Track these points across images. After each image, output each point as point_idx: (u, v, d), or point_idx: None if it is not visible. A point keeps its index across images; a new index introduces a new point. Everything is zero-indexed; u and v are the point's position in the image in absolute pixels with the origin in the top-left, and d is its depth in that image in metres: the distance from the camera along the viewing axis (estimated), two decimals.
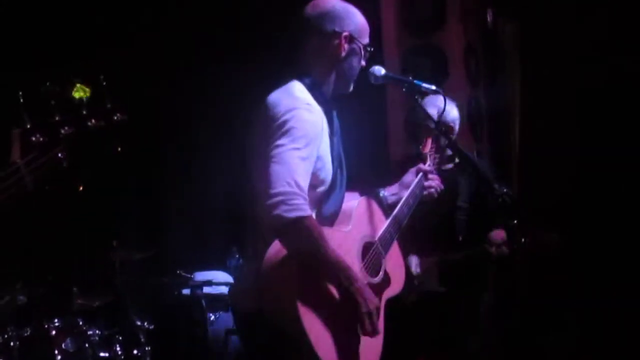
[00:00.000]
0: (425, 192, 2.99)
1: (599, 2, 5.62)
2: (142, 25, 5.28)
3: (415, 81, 2.84)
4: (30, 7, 4.85)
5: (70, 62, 4.66)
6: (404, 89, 2.87)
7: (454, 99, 3.87)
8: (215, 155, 5.51)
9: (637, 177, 5.62)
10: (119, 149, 1.77)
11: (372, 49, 2.70)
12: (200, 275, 4.78)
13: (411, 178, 3.01)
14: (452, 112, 3.85)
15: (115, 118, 1.78)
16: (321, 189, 2.55)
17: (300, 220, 2.33)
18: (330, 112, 2.62)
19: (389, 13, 5.45)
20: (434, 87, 2.85)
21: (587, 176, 5.93)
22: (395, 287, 2.75)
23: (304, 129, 2.43)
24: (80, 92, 1.70)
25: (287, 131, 2.41)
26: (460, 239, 3.91)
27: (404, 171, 3.11)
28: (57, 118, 1.70)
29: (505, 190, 3.20)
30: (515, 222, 2.92)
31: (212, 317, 4.67)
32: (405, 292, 2.88)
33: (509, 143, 6.18)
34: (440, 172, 3.13)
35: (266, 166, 2.38)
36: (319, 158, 2.50)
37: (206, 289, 4.63)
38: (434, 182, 3.01)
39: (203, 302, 4.64)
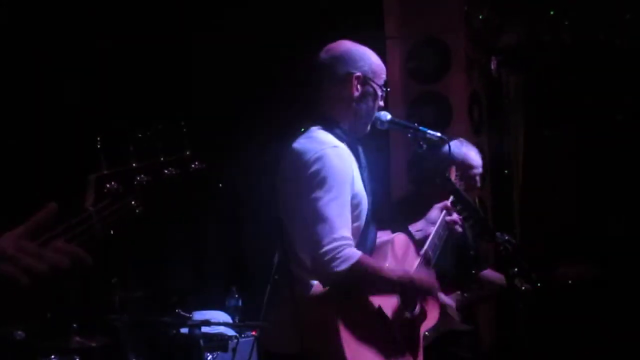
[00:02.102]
0: (450, 229, 3.00)
1: (600, 56, 5.72)
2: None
3: (420, 127, 2.87)
4: (117, 57, 4.92)
5: (151, 108, 4.66)
6: (409, 135, 2.90)
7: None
8: (217, 197, 5.51)
9: (637, 227, 5.66)
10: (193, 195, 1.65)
11: (388, 89, 2.73)
12: (199, 315, 4.75)
13: (436, 214, 3.01)
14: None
15: (193, 167, 1.66)
16: (357, 224, 2.57)
17: (352, 267, 2.40)
18: (356, 149, 2.66)
19: (394, 62, 5.50)
20: (439, 134, 2.88)
21: (586, 223, 5.96)
22: (432, 320, 2.82)
23: (336, 175, 2.46)
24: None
25: (320, 182, 2.44)
26: (474, 272, 3.93)
27: (403, 211, 3.11)
28: (133, 165, 1.58)
29: (506, 237, 3.22)
30: (516, 269, 2.93)
31: (210, 357, 4.63)
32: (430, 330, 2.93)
33: (511, 190, 6.21)
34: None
35: (309, 224, 2.43)
36: (355, 196, 2.53)
37: (204, 329, 4.58)
38: (456, 217, 3.02)
39: (201, 341, 4.60)
